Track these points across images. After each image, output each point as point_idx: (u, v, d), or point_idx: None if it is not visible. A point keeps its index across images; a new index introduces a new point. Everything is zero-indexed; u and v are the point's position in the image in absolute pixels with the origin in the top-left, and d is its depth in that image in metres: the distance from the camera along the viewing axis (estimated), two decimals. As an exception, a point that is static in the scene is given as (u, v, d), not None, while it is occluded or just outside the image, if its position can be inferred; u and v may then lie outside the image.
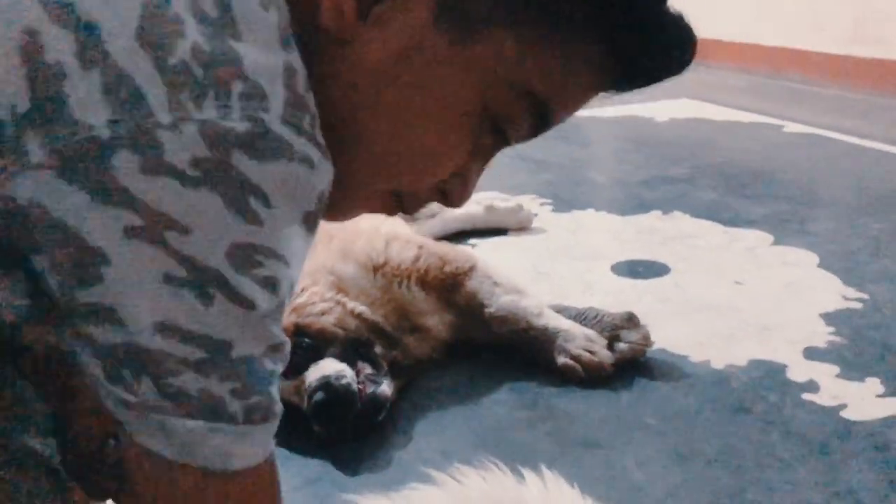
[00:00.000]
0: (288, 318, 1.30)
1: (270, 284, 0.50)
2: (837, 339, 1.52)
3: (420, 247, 1.57)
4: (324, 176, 0.51)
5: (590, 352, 1.40)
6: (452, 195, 0.63)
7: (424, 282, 1.52)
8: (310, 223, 0.51)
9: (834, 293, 1.71)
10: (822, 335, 1.53)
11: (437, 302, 1.52)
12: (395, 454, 1.26)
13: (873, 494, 1.10)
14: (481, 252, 2.07)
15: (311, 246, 0.54)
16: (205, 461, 0.53)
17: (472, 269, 1.53)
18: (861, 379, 1.39)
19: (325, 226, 1.66)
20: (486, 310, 1.49)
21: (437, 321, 1.51)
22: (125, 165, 0.45)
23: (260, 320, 0.51)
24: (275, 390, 0.54)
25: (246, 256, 0.48)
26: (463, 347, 1.52)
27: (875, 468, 1.15)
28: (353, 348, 1.34)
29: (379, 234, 1.58)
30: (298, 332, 1.31)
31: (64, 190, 0.45)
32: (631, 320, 1.45)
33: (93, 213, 0.45)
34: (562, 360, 1.42)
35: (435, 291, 1.52)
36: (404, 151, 0.59)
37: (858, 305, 1.65)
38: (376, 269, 1.50)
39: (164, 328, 0.48)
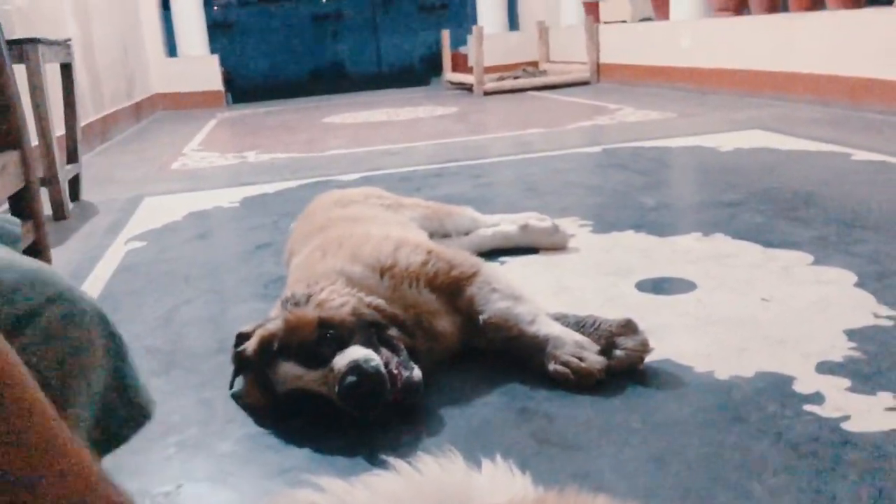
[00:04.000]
0: (312, 314, 1.35)
1: None
2: (857, 354, 1.44)
3: (429, 252, 1.58)
4: None
5: (579, 358, 1.38)
6: None
7: (433, 285, 1.53)
8: None
9: (865, 311, 1.62)
10: (841, 350, 1.46)
11: (446, 305, 1.53)
12: (372, 446, 1.27)
13: (856, 502, 1.03)
14: (509, 268, 2.08)
15: None
16: None
17: (474, 274, 1.54)
18: (872, 392, 1.31)
19: (335, 233, 1.72)
20: (481, 316, 1.49)
21: (448, 323, 1.52)
22: None
23: None
24: None
25: None
26: (466, 353, 1.52)
27: (866, 479, 1.08)
28: (372, 335, 1.37)
29: (389, 239, 1.61)
30: (322, 324, 1.34)
31: None
32: (628, 326, 1.42)
33: None
34: (552, 366, 1.40)
35: (444, 295, 1.53)
36: None
37: (889, 323, 1.56)
38: (383, 270, 1.53)
39: None
